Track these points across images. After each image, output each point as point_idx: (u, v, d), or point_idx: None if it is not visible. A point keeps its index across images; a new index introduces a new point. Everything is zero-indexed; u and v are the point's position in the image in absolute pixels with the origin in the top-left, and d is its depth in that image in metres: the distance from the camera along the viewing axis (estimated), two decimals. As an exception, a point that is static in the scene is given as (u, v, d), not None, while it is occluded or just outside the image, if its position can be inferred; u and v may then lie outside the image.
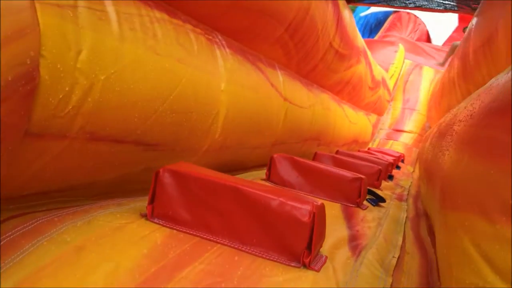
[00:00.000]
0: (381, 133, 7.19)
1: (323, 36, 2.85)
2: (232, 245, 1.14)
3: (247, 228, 1.14)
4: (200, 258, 1.04)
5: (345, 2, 3.58)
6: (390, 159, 4.26)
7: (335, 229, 1.51)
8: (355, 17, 9.71)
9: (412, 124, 7.28)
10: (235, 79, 1.87)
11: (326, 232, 1.31)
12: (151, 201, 1.20)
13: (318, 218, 1.10)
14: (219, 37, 1.84)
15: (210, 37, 1.74)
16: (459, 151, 1.16)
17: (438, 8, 3.73)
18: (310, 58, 2.91)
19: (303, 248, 1.10)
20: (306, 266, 1.09)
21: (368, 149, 5.66)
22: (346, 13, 3.50)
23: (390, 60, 6.82)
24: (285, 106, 2.54)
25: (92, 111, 1.07)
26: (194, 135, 1.58)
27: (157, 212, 1.19)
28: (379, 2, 3.86)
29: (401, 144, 6.93)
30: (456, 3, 3.57)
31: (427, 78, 7.41)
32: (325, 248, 1.26)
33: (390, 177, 3.56)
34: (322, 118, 3.48)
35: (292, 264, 1.10)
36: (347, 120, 4.57)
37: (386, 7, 3.93)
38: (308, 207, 1.10)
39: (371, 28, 9.66)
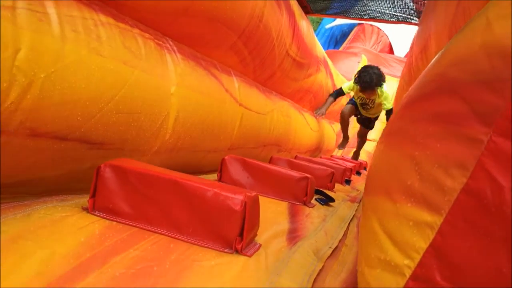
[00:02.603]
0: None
1: (279, 44, 2.95)
2: (169, 234, 1.20)
3: (184, 218, 1.20)
4: (135, 245, 1.10)
5: (302, 12, 3.71)
6: (349, 165, 4.38)
7: (277, 222, 1.59)
8: (320, 29, 9.93)
9: (375, 133, 7.46)
10: (186, 83, 1.94)
11: (267, 226, 1.39)
12: (93, 195, 1.25)
13: (250, 207, 1.18)
14: (170, 42, 1.91)
15: (160, 42, 1.81)
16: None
17: (391, 19, 3.90)
18: (266, 65, 3.00)
19: (235, 235, 1.17)
20: (239, 252, 1.16)
21: (331, 156, 5.80)
22: (303, 23, 3.62)
23: (353, 70, 7.00)
24: (240, 111, 2.62)
25: (32, 108, 1.12)
26: (143, 135, 1.64)
27: (98, 206, 1.24)
28: (335, 14, 4.00)
29: (364, 152, 7.09)
30: (408, 15, 3.73)
31: (390, 88, 7.62)
32: (262, 238, 1.33)
33: (347, 182, 3.67)
34: (282, 125, 3.58)
35: (225, 251, 1.17)
36: (308, 128, 4.68)
37: (342, 17, 4.07)
38: (240, 197, 1.18)
39: (337, 39, 9.89)
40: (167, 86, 1.78)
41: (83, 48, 1.27)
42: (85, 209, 1.25)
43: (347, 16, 4.00)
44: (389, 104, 4.59)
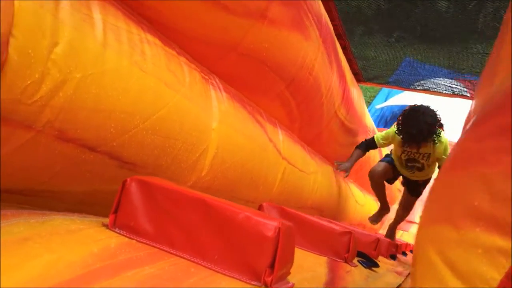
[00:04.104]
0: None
1: (327, 102, 2.88)
2: (192, 259, 1.07)
3: (209, 243, 1.08)
4: (152, 264, 0.97)
5: (354, 79, 3.67)
6: (395, 242, 4.12)
7: (314, 270, 1.42)
8: (370, 109, 9.90)
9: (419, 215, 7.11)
10: (229, 122, 1.87)
11: (302, 271, 1.23)
12: (115, 211, 1.15)
13: (284, 236, 1.04)
14: (216, 79, 1.88)
15: (206, 77, 1.77)
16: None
17: (446, 92, 3.78)
18: (314, 123, 2.93)
19: (265, 266, 1.02)
20: (268, 286, 1.01)
21: (376, 233, 5.50)
22: (354, 90, 3.57)
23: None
24: (283, 165, 2.52)
25: (63, 107, 1.06)
26: (178, 165, 1.56)
27: (119, 222, 1.14)
28: (388, 83, 3.93)
29: (411, 235, 6.72)
30: (464, 87, 3.62)
31: (441, 170, 7.34)
32: (295, 279, 1.17)
33: (393, 257, 3.41)
34: (325, 188, 3.42)
35: (253, 283, 1.02)
36: (353, 199, 4.49)
37: (395, 88, 4.00)
38: (274, 223, 1.05)
39: (386, 120, 9.78)
40: (209, 121, 1.72)
41: (125, 59, 1.23)
42: (105, 225, 1.15)
43: (400, 86, 3.92)
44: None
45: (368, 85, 4.19)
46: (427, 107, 3.17)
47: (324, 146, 3.37)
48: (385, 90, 10.12)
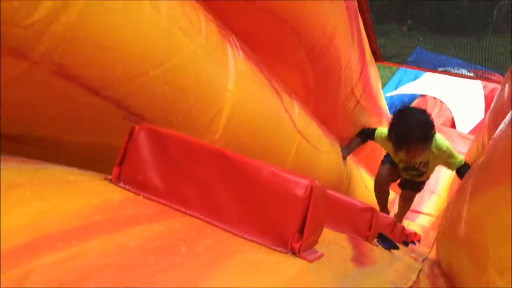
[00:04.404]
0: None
1: (346, 77, 2.72)
2: (208, 220, 0.92)
3: (229, 203, 0.93)
4: (162, 221, 0.82)
5: (372, 59, 3.50)
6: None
7: (338, 243, 1.27)
8: (380, 96, 9.70)
9: (431, 206, 6.97)
10: (246, 85, 1.72)
11: (326, 242, 1.09)
12: (120, 163, 1.00)
13: (316, 196, 0.89)
14: (233, 37, 1.72)
15: (223, 32, 1.61)
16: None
17: (468, 74, 3.61)
18: (330, 98, 2.77)
19: (294, 231, 0.87)
20: (295, 253, 0.86)
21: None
22: (372, 68, 3.40)
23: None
24: (298, 139, 2.36)
25: (64, 37, 0.91)
26: (190, 124, 1.41)
27: (124, 176, 0.99)
28: (407, 63, 3.76)
29: (417, 226, 6.57)
30: (487, 69, 3.44)
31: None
32: (321, 250, 1.02)
33: (405, 243, 3.27)
34: (337, 169, 3.27)
35: (278, 249, 0.87)
36: (363, 184, 4.34)
37: (415, 68, 3.83)
38: (305, 181, 0.89)
39: (395, 109, 9.60)
40: (225, 80, 1.56)
41: (136, -7, 1.07)
42: (109, 179, 1.00)
43: (419, 67, 3.74)
44: (457, 158, 3.09)
45: (385, 64, 4.01)
46: (419, 108, 3.07)
47: (338, 124, 3.20)
48: (396, 78, 9.92)
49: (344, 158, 3.32)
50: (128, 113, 1.16)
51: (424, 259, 2.85)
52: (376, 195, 3.78)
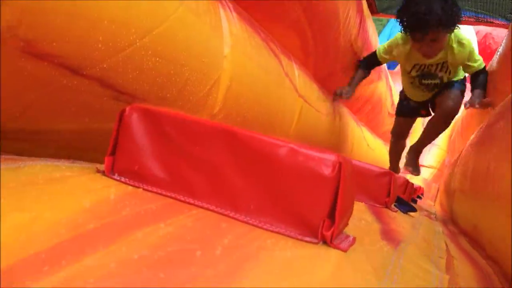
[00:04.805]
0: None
1: (345, 33, 2.54)
2: (220, 211, 0.79)
3: (243, 189, 0.79)
4: (169, 219, 0.69)
5: (368, 11, 3.31)
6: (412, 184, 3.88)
7: (363, 219, 1.15)
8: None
9: (432, 158, 6.90)
10: (242, 49, 1.56)
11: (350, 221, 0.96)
12: (112, 152, 0.86)
13: (345, 174, 0.75)
14: (225, -2, 1.55)
15: (213, -8, 1.44)
16: None
17: (470, 17, 3.41)
18: (329, 58, 2.60)
19: (323, 216, 0.74)
20: (327, 242, 0.74)
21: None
22: (369, 21, 3.22)
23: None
24: (300, 103, 2.22)
25: (28, 7, 0.75)
26: (186, 99, 1.26)
27: (119, 166, 0.85)
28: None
29: (419, 179, 6.51)
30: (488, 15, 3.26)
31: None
32: (351, 232, 0.90)
33: (414, 201, 3.18)
34: (340, 132, 3.15)
35: (306, 239, 0.74)
36: (365, 143, 4.22)
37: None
38: (331, 157, 0.76)
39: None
40: (220, 45, 1.40)
41: None
42: (101, 172, 0.86)
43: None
44: (477, 60, 2.54)
45: (381, 17, 3.82)
46: None
47: (337, 84, 3.04)
48: (387, 30, 9.67)
49: (349, 97, 2.86)
50: (115, 92, 1.01)
51: (435, 216, 2.76)
52: (391, 149, 3.47)
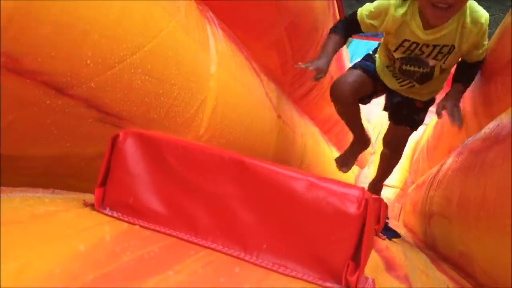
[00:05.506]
0: (363, 186, 6.84)
1: (321, 52, 2.51)
2: (230, 252, 0.70)
3: (253, 226, 0.71)
4: (177, 265, 0.60)
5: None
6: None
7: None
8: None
9: (395, 178, 6.97)
10: (227, 67, 1.48)
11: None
12: (103, 183, 0.76)
13: (371, 211, 0.68)
14: (211, 13, 1.47)
15: (200, 7, 1.37)
16: None
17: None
18: (306, 77, 2.56)
19: (346, 258, 0.67)
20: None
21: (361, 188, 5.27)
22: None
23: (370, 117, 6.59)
24: (278, 124, 2.15)
25: (12, 17, 0.65)
26: (173, 120, 1.17)
27: (110, 199, 0.75)
28: (375, 36, 3.60)
29: (383, 198, 6.58)
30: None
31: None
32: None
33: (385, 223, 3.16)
34: (312, 153, 3.10)
35: (327, 285, 0.66)
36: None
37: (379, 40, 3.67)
38: (356, 192, 0.69)
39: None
40: (207, 62, 1.32)
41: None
42: (90, 205, 0.76)
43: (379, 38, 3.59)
44: (483, 46, 1.85)
45: (353, 38, 3.84)
46: None
47: (312, 104, 3.01)
48: (350, 49, 9.84)
49: (323, 69, 1.84)
50: (102, 113, 0.91)
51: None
52: (340, 113, 2.33)
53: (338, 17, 2.78)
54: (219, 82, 1.39)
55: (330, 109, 3.19)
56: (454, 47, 1.82)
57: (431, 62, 1.93)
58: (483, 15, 1.78)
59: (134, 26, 0.92)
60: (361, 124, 2.40)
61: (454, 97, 1.85)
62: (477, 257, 1.38)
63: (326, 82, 2.86)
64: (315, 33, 2.21)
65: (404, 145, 2.39)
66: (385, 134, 2.47)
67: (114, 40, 0.86)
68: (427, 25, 1.78)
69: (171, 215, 0.72)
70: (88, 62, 0.81)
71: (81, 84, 0.82)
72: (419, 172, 5.56)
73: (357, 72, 2.15)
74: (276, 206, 0.70)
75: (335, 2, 2.79)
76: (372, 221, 0.69)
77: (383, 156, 2.52)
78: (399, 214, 5.97)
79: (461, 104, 1.93)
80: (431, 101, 2.23)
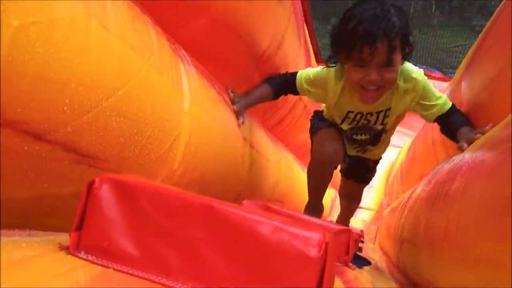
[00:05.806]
0: (339, 209, 6.92)
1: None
2: (200, 293, 0.74)
3: (223, 269, 0.75)
4: (150, 309, 0.64)
5: (315, 61, 3.42)
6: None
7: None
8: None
9: (370, 200, 7.07)
10: (200, 103, 1.54)
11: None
12: (78, 227, 0.79)
13: (331, 253, 0.73)
14: (183, 51, 1.53)
15: (173, 47, 1.42)
16: None
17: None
18: (279, 106, 2.63)
19: (309, 299, 0.72)
20: (314, 326, 0.71)
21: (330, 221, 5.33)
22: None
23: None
24: (251, 154, 2.21)
25: (-5, 73, 0.69)
26: (147, 157, 1.21)
27: (86, 243, 0.78)
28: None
29: (359, 221, 6.65)
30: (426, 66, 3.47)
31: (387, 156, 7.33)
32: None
33: (360, 249, 3.22)
34: (287, 180, 3.16)
35: (291, 324, 0.71)
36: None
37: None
38: (316, 236, 0.74)
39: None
40: (180, 100, 1.37)
41: (80, 8, 0.86)
42: (65, 248, 0.79)
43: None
44: (438, 97, 1.84)
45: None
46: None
47: (285, 132, 3.08)
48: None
49: (239, 112, 1.90)
50: (78, 155, 0.95)
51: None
52: (313, 179, 2.26)
53: (309, 48, 2.88)
54: (192, 118, 1.43)
55: (303, 135, 3.28)
56: (391, 108, 1.89)
57: (379, 127, 2.02)
58: (414, 70, 1.83)
59: (109, 72, 0.96)
60: (322, 194, 2.37)
61: (466, 134, 1.66)
62: (441, 286, 1.44)
63: (299, 111, 2.95)
64: (286, 67, 2.29)
65: (361, 195, 2.71)
66: (340, 188, 2.75)
67: (90, 87, 0.90)
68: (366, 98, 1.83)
69: (144, 258, 0.76)
70: (65, 109, 0.85)
71: (58, 130, 0.86)
72: (393, 195, 5.66)
73: (332, 130, 2.12)
74: (243, 249, 0.75)
75: (306, 32, 2.89)
76: (332, 262, 0.74)
77: (342, 205, 2.90)
78: (375, 237, 6.05)
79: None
80: (378, 162, 2.47)
